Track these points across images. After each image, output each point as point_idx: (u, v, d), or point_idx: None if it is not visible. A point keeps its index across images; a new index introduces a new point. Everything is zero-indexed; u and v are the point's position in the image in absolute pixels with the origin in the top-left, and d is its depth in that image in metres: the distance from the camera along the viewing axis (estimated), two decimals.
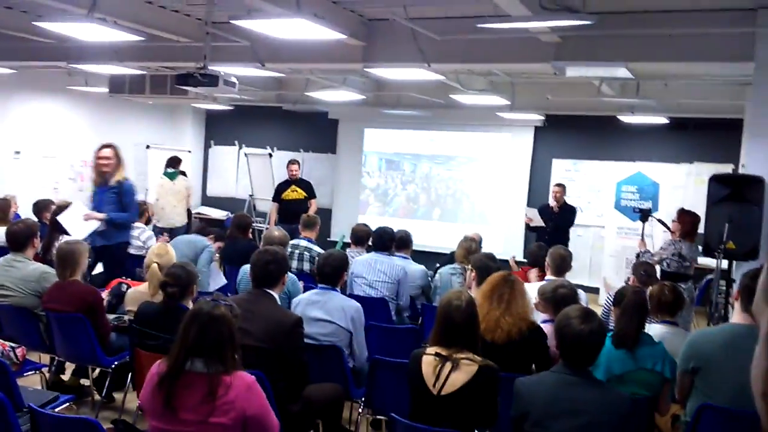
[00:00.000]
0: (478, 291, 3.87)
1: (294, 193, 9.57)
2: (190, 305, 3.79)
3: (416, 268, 6.02)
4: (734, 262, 5.89)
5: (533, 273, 5.48)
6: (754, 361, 0.69)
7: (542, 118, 10.52)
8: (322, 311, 4.06)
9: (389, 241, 5.89)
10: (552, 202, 8.75)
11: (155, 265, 4.54)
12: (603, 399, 2.77)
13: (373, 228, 6.22)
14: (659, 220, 7.28)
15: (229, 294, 5.72)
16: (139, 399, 2.89)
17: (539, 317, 4.10)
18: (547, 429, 2.71)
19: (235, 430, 2.59)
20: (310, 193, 9.63)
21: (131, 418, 4.40)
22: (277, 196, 9.66)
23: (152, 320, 3.86)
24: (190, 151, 12.90)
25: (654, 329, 4.05)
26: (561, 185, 8.82)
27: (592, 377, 2.91)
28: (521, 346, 3.56)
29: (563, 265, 5.07)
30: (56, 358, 4.80)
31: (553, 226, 8.42)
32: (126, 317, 4.69)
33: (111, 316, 4.73)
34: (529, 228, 8.91)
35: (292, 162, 9.81)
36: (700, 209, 6.13)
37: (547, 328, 3.79)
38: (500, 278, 3.73)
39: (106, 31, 5.92)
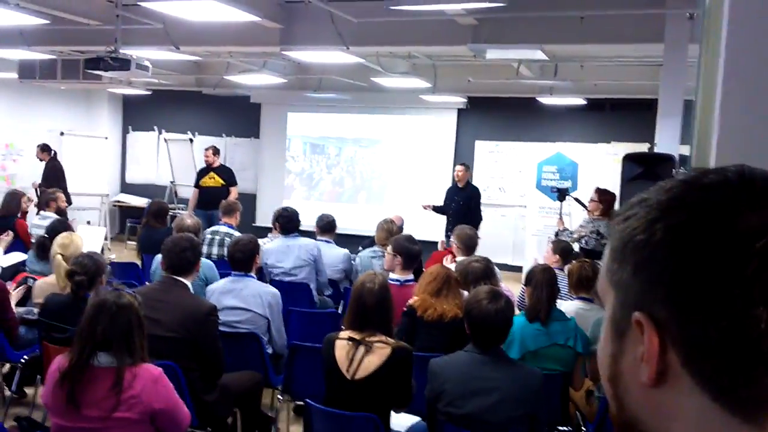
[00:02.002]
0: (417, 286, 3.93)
1: (211, 180, 9.36)
2: None
3: (339, 252, 5.99)
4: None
5: (447, 258, 5.52)
6: (600, 344, 0.69)
7: (464, 100, 10.63)
8: (237, 299, 3.99)
9: (293, 223, 5.70)
10: (458, 183, 8.73)
11: (59, 256, 4.36)
12: (514, 375, 2.83)
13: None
14: (576, 199, 7.48)
15: (146, 282, 5.60)
16: (42, 397, 2.77)
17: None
18: (461, 408, 2.75)
19: (142, 424, 2.52)
20: (230, 181, 9.39)
21: (42, 414, 4.24)
22: (197, 183, 9.46)
23: (60, 312, 3.71)
24: (107, 138, 12.47)
25: (568, 305, 4.17)
26: (464, 164, 8.88)
27: (503, 355, 2.96)
28: (450, 327, 3.62)
29: (471, 243, 5.16)
30: None
31: (458, 205, 8.44)
32: (35, 310, 4.49)
33: (20, 310, 4.54)
34: (435, 210, 8.85)
35: (207, 149, 9.58)
36: (617, 188, 6.31)
37: None
38: (435, 272, 3.81)
39: (8, 13, 5.64)
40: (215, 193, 8.99)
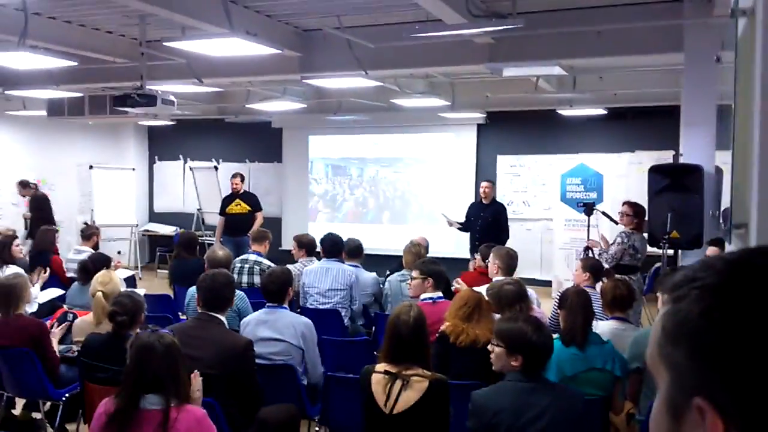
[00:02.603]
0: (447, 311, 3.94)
1: (237, 207, 9.46)
2: None
3: (368, 276, 6.06)
4: (680, 251, 6.03)
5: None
6: (654, 415, 0.69)
7: (483, 116, 10.65)
8: (271, 330, 4.04)
9: (338, 247, 5.90)
10: (483, 200, 8.71)
11: (99, 293, 4.45)
12: (559, 400, 2.82)
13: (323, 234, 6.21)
14: (603, 212, 7.42)
15: (180, 314, 5.69)
16: None
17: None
18: None
19: None
20: (255, 207, 9.49)
21: None
22: (222, 210, 9.56)
23: (100, 352, 3.78)
24: (134, 169, 12.69)
25: (603, 326, 4.13)
26: (490, 181, 8.87)
27: (546, 380, 2.95)
28: (483, 353, 3.63)
29: (512, 264, 5.11)
30: (5, 393, 4.68)
31: (484, 222, 8.42)
32: (75, 347, 4.59)
33: (60, 347, 4.63)
34: (459, 227, 8.82)
35: (234, 176, 9.68)
36: (644, 197, 6.25)
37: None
38: (466, 297, 3.82)
39: (39, 58, 5.82)
40: (242, 220, 9.10)
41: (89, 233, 7.65)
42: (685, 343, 0.64)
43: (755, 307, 0.60)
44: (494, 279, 5.02)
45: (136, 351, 2.65)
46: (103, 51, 7.11)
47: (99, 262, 5.68)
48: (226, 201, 9.59)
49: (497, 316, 4.05)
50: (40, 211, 9.57)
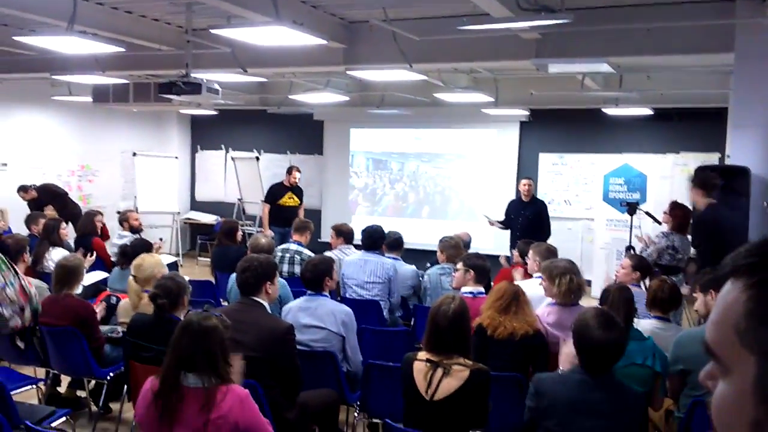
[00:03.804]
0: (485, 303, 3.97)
1: (291, 200, 9.48)
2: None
3: (407, 269, 6.07)
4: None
5: (518, 272, 5.51)
6: (730, 406, 0.68)
7: (527, 113, 10.56)
8: (312, 317, 4.09)
9: (379, 240, 5.93)
10: (524, 197, 8.64)
11: (131, 278, 4.56)
12: (621, 400, 2.80)
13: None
14: (647, 212, 7.32)
15: (221, 301, 5.77)
16: (135, 415, 2.91)
17: (544, 303, 4.20)
18: (567, 427, 2.75)
19: None
20: (302, 199, 9.63)
21: (128, 429, 4.42)
22: (272, 199, 9.51)
23: (145, 332, 3.87)
24: (176, 157, 12.90)
25: (644, 324, 4.10)
26: (530, 179, 8.81)
27: (612, 379, 2.90)
28: (521, 346, 3.64)
29: (551, 258, 5.10)
30: (51, 371, 4.81)
31: (525, 220, 8.36)
32: (119, 329, 4.70)
33: (104, 328, 4.75)
34: (501, 225, 8.77)
35: (296, 169, 9.63)
36: (688, 199, 6.16)
37: (553, 311, 3.98)
38: (503, 290, 3.82)
39: (87, 43, 5.92)
40: (293, 211, 9.14)
41: (122, 218, 7.81)
42: None
43: None
44: (535, 275, 5.01)
45: (179, 331, 2.71)
46: (149, 38, 7.22)
47: (139, 247, 5.79)
48: (278, 192, 9.54)
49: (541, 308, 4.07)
50: (53, 203, 9.40)
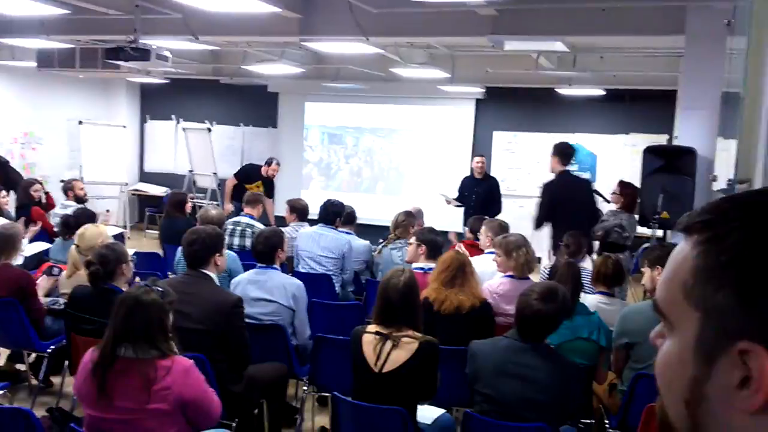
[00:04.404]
0: (431, 274, 3.98)
1: (257, 188, 8.88)
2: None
3: (360, 244, 6.04)
4: (669, 232, 6.07)
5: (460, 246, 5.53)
6: (668, 364, 0.68)
7: (482, 90, 10.58)
8: (262, 290, 4.03)
9: (335, 215, 5.86)
10: (476, 174, 8.67)
11: (73, 247, 4.42)
12: (550, 364, 2.86)
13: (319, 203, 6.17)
14: (597, 192, 7.42)
15: (169, 274, 5.65)
16: (74, 387, 2.82)
17: (496, 278, 4.22)
18: (496, 389, 2.80)
19: (174, 414, 2.56)
20: (270, 194, 9.01)
21: (69, 403, 4.30)
22: (243, 178, 8.90)
23: (86, 304, 3.76)
24: (125, 126, 12.55)
25: (589, 299, 4.18)
26: (482, 156, 8.84)
27: (543, 345, 2.98)
28: (467, 319, 3.66)
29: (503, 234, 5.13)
30: None
31: (478, 197, 8.41)
32: (61, 300, 4.56)
33: (45, 300, 4.60)
34: (458, 205, 8.80)
35: (276, 162, 9.03)
36: (636, 179, 6.27)
37: (506, 282, 4.02)
38: (449, 261, 3.82)
39: (30, 4, 5.68)
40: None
41: (66, 187, 7.58)
42: (731, 285, 0.61)
43: None
44: (486, 251, 5.04)
45: (117, 304, 2.64)
46: (97, 2, 6.94)
47: (81, 217, 5.61)
48: (252, 175, 8.92)
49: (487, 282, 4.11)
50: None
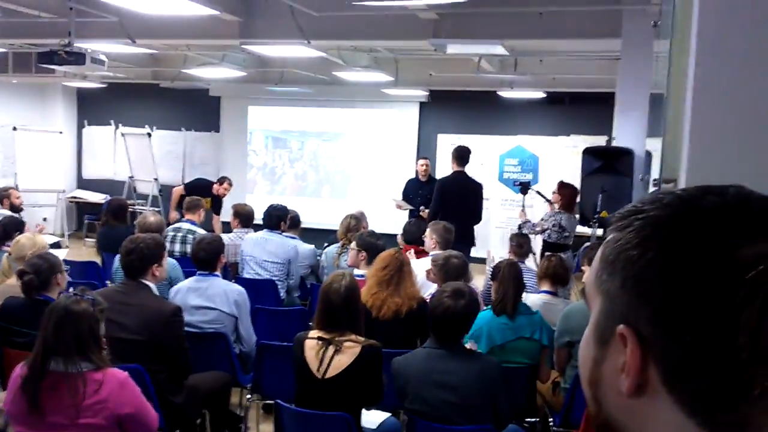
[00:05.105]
0: (368, 273, 3.93)
1: (206, 203, 8.56)
2: None
3: (305, 248, 6.00)
4: (606, 239, 6.19)
5: (410, 253, 5.52)
6: (582, 343, 0.71)
7: (426, 93, 10.65)
8: (202, 298, 3.95)
9: (279, 219, 5.80)
10: (421, 177, 8.72)
11: (5, 255, 4.27)
12: (470, 366, 2.89)
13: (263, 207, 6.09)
14: (538, 192, 7.56)
15: (108, 283, 5.49)
16: (4, 405, 2.71)
17: (430, 288, 4.19)
18: (424, 402, 2.80)
19: (109, 429, 2.48)
20: (218, 211, 8.78)
21: (3, 421, 4.13)
22: (190, 191, 8.25)
23: (18, 315, 3.61)
24: (61, 132, 12.18)
25: (533, 298, 4.23)
26: (427, 158, 8.90)
27: (461, 348, 3.00)
28: (406, 322, 3.65)
29: (449, 237, 5.15)
30: None
31: (423, 199, 8.45)
32: None
33: None
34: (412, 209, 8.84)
35: (228, 181, 8.74)
36: (577, 180, 6.39)
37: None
38: (388, 260, 3.79)
39: None
40: None
41: (1, 195, 7.31)
42: (620, 272, 0.64)
43: (692, 244, 0.60)
44: (432, 253, 5.04)
45: (48, 314, 2.55)
46: (27, 4, 6.73)
47: (11, 225, 5.41)
48: (201, 191, 8.29)
49: (434, 286, 4.09)
50: None
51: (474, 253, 10.07)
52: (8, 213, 6.95)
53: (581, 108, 10.26)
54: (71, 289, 3.63)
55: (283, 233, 5.85)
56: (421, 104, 11.04)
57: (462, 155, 7.03)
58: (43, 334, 2.49)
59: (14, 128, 11.22)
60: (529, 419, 3.73)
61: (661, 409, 0.61)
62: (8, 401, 2.54)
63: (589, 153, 6.23)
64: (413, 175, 9.47)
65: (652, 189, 4.44)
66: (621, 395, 0.63)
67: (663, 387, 0.60)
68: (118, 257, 4.98)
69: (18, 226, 5.39)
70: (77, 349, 2.47)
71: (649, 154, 5.86)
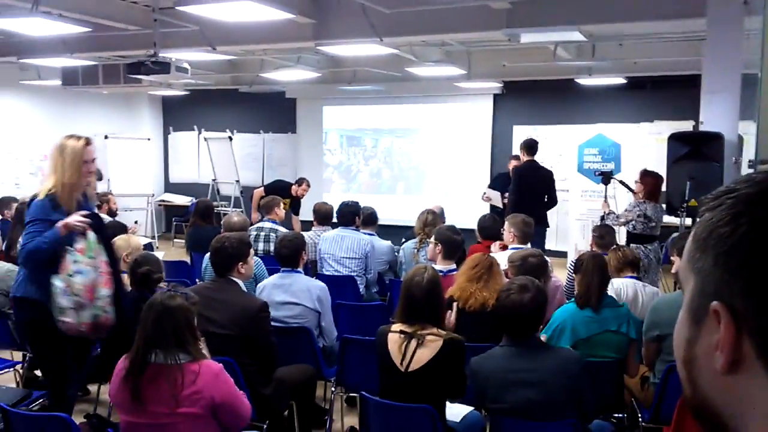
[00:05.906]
0: (458, 272, 3.97)
1: (284, 205, 8.67)
2: None
3: (383, 244, 6.05)
4: (698, 220, 5.97)
5: (495, 246, 5.48)
6: (677, 326, 0.71)
7: (500, 85, 10.53)
8: (287, 294, 4.06)
9: (353, 215, 5.90)
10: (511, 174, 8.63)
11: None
12: (550, 361, 2.82)
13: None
14: (621, 181, 7.32)
15: (197, 281, 5.71)
16: (109, 394, 2.87)
17: None
18: (504, 402, 2.76)
19: (205, 418, 2.59)
20: (296, 211, 8.93)
21: (106, 410, 4.37)
22: (270, 192, 8.32)
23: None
24: (149, 139, 12.71)
25: (627, 282, 4.18)
26: (516, 156, 8.79)
27: (536, 342, 2.94)
28: (493, 315, 3.63)
29: (528, 231, 5.09)
30: (28, 354, 4.74)
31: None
32: None
33: None
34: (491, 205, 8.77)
35: (306, 182, 8.84)
36: (663, 167, 6.17)
37: None
38: (479, 259, 3.82)
39: (52, 24, 5.81)
40: None
41: (101, 201, 7.69)
42: (712, 249, 0.65)
43: None
44: (510, 247, 5.00)
45: (144, 310, 2.68)
46: (115, 18, 7.06)
47: (115, 229, 5.70)
48: (281, 193, 8.23)
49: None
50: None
51: (555, 246, 9.95)
52: (106, 218, 7.32)
53: (665, 92, 9.90)
54: (162, 284, 3.82)
55: (359, 229, 5.93)
56: (495, 96, 10.91)
57: (531, 146, 7.49)
58: (144, 329, 2.63)
59: (105, 137, 11.79)
60: (616, 414, 3.64)
61: (757, 385, 0.60)
62: (113, 391, 2.69)
63: (675, 139, 5.99)
64: (488, 169, 9.42)
65: (746, 171, 4.28)
66: (716, 374, 0.63)
67: (759, 362, 0.60)
68: (206, 256, 5.20)
69: (121, 230, 5.70)
70: (176, 341, 2.59)
71: (740, 138, 5.63)
